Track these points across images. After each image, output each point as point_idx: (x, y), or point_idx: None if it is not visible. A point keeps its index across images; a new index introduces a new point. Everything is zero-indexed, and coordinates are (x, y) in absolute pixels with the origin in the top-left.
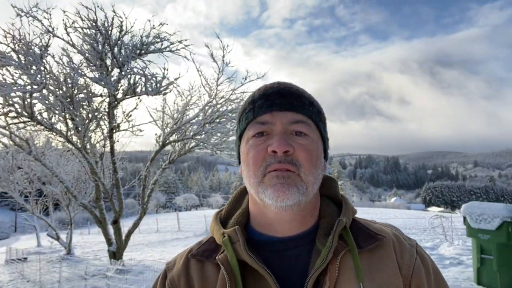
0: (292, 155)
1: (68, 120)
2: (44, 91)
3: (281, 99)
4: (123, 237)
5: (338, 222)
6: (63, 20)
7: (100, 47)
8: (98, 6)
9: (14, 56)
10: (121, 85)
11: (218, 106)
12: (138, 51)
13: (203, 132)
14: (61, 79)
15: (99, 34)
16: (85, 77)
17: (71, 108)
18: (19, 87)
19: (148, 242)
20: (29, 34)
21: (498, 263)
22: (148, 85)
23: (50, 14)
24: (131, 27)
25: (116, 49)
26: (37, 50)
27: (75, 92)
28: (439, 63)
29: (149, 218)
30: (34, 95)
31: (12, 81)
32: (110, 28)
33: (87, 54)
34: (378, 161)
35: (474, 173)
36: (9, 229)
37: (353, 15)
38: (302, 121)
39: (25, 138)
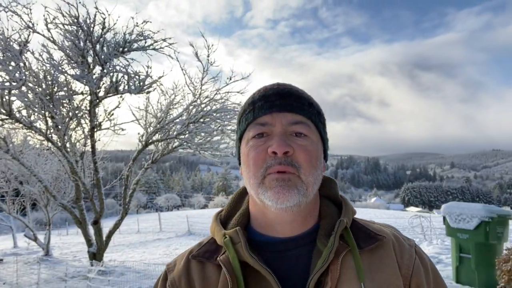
0: (292, 156)
1: (48, 118)
2: (23, 88)
3: (281, 100)
4: (104, 238)
5: (339, 223)
6: (43, 15)
7: (81, 44)
8: (80, 2)
9: None
10: (103, 83)
11: (203, 105)
12: (121, 49)
13: (187, 132)
14: (41, 76)
15: (80, 30)
16: (65, 74)
17: (51, 106)
18: None
19: (128, 243)
20: (7, 29)
21: (476, 262)
22: (131, 83)
23: (30, 9)
24: (114, 24)
25: (98, 46)
26: (16, 46)
27: (55, 89)
28: (418, 66)
29: (129, 218)
30: (13, 92)
31: None
32: (92, 25)
33: (68, 51)
34: (359, 162)
35: (451, 174)
36: None
37: (336, 17)
38: (302, 122)
39: (3, 136)
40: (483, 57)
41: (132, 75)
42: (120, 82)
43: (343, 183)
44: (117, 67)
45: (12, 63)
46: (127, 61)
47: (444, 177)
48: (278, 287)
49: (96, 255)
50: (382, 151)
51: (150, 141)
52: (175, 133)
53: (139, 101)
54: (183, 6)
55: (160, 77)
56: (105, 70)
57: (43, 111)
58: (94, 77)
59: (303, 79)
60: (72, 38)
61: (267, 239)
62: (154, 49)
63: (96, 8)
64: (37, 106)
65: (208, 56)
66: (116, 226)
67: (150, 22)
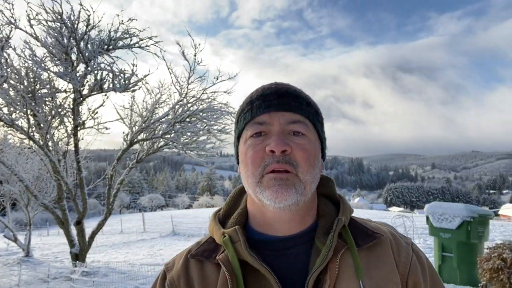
0: (290, 155)
1: (30, 116)
2: (5, 85)
3: (279, 100)
4: (87, 239)
5: (337, 221)
6: (26, 11)
7: (65, 41)
8: None
9: None
10: (87, 81)
11: (189, 105)
12: (105, 46)
13: (173, 131)
14: (23, 73)
15: (64, 27)
16: (48, 72)
17: (33, 104)
18: None
19: (111, 243)
20: None
21: (458, 261)
22: (116, 82)
23: (12, 5)
24: (99, 22)
25: (82, 44)
26: None
27: (38, 86)
28: (401, 68)
29: (112, 219)
30: None
31: None
32: (77, 22)
33: (51, 48)
34: (343, 163)
35: (432, 174)
36: None
37: (321, 19)
38: (300, 121)
39: None
40: (463, 61)
41: (117, 73)
42: (105, 80)
43: None
44: (102, 65)
45: None
46: (112, 59)
47: (425, 178)
48: (278, 285)
49: (78, 256)
50: (366, 152)
51: (135, 140)
52: (160, 132)
53: (124, 99)
54: (168, 5)
55: (145, 76)
56: (89, 68)
57: (25, 109)
58: (78, 74)
59: (288, 79)
60: (56, 34)
61: (266, 238)
62: (140, 47)
63: (81, 4)
64: (18, 103)
65: (195, 55)
66: (100, 226)
67: (136, 20)
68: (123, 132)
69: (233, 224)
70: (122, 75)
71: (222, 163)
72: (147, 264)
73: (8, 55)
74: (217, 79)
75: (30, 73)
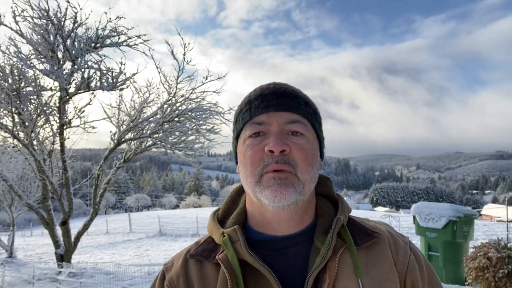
0: (289, 155)
1: (14, 115)
2: None
3: (277, 100)
4: (72, 239)
5: (336, 220)
6: (11, 7)
7: (51, 38)
8: None
9: None
10: (74, 79)
11: (178, 104)
12: (93, 44)
13: (161, 131)
14: (7, 70)
15: (50, 24)
16: (34, 69)
17: (18, 102)
18: None
19: (97, 244)
20: None
21: (444, 260)
22: (103, 80)
23: None
24: (86, 19)
25: (69, 41)
26: None
27: (23, 84)
28: (386, 70)
29: (97, 219)
30: None
31: None
32: (63, 19)
33: (37, 45)
34: (330, 163)
35: (417, 175)
36: None
37: (308, 20)
38: (298, 121)
39: None
40: (447, 63)
41: (105, 71)
42: (92, 79)
43: None
44: (89, 63)
45: None
46: (100, 57)
47: (410, 178)
48: (277, 285)
49: (63, 257)
50: (353, 152)
51: (123, 139)
52: (148, 132)
53: (111, 98)
54: (156, 3)
55: (134, 74)
56: (76, 66)
57: (9, 107)
58: (64, 72)
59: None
60: (42, 32)
61: (265, 238)
62: (128, 45)
63: (68, 1)
64: (3, 101)
65: (184, 54)
66: (86, 227)
67: (124, 18)
68: (111, 131)
69: (232, 224)
70: (110, 73)
71: (210, 163)
72: (134, 265)
73: None
74: (206, 78)
75: (15, 71)
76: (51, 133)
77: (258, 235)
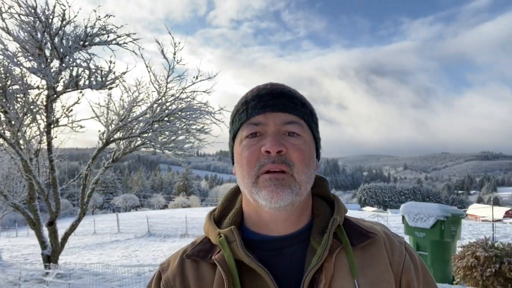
0: (285, 155)
1: (0, 113)
2: None
3: (274, 100)
4: (59, 240)
5: (333, 221)
6: None
7: (39, 35)
8: None
9: None
10: (62, 77)
11: (167, 104)
12: (81, 42)
13: (151, 130)
14: None
15: (38, 22)
16: (21, 67)
17: (4, 100)
18: None
19: (84, 244)
20: None
21: (432, 259)
22: (92, 79)
23: None
24: (75, 17)
25: (57, 39)
26: None
27: (9, 82)
28: (374, 72)
29: (84, 219)
30: None
31: None
32: (51, 17)
33: (24, 43)
34: (319, 163)
35: (404, 175)
36: None
37: (298, 21)
38: (295, 122)
39: None
40: (434, 65)
41: (94, 70)
42: (81, 77)
43: None
44: (78, 61)
45: None
46: (89, 55)
47: (398, 178)
48: (274, 285)
49: (50, 258)
50: (341, 152)
51: (112, 139)
52: (138, 131)
53: (100, 97)
54: (145, 2)
55: (124, 73)
56: (64, 64)
57: None
58: (52, 71)
59: (265, 80)
60: (29, 29)
61: (261, 238)
62: (117, 44)
63: None
64: None
65: (174, 54)
66: (73, 227)
67: (113, 16)
68: (99, 131)
69: (228, 224)
70: (99, 72)
71: (199, 163)
72: (122, 266)
73: None
74: (197, 78)
75: (1, 68)
76: (38, 132)
77: (254, 236)
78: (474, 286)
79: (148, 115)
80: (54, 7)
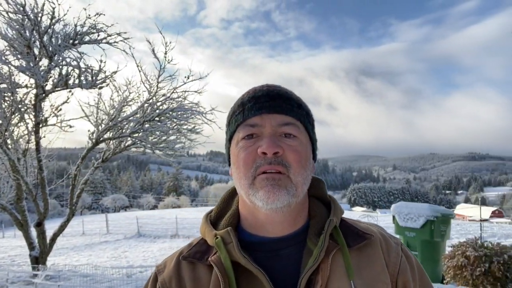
0: (282, 156)
1: None
2: None
3: (270, 102)
4: (48, 241)
5: (329, 222)
6: None
7: (27, 34)
8: None
9: None
10: (51, 76)
11: (158, 104)
12: (71, 41)
13: (142, 130)
14: None
15: (27, 20)
16: (9, 65)
17: None
18: None
19: (73, 246)
20: None
21: (422, 258)
22: (82, 78)
23: None
24: (64, 15)
25: (46, 37)
26: None
27: None
28: (363, 73)
29: (73, 220)
30: None
31: None
32: (40, 15)
33: (12, 41)
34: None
35: (393, 175)
36: None
37: (288, 22)
38: (291, 123)
39: None
40: (422, 67)
41: (84, 69)
42: (70, 76)
43: None
44: (67, 60)
45: None
46: (80, 54)
47: (387, 179)
48: (270, 286)
49: (38, 259)
50: (331, 153)
51: (101, 139)
52: (128, 131)
53: (89, 96)
54: (134, 1)
55: (114, 72)
56: (53, 63)
57: None
58: (41, 69)
59: (256, 80)
60: (17, 27)
61: (258, 239)
62: (107, 43)
63: None
64: None
65: (165, 53)
66: (62, 228)
67: (104, 14)
68: (89, 131)
69: (225, 225)
70: (89, 70)
71: (189, 163)
72: (112, 267)
73: None
74: (188, 78)
75: None
76: (26, 132)
77: (251, 237)
78: (464, 285)
79: (138, 115)
80: (44, 5)
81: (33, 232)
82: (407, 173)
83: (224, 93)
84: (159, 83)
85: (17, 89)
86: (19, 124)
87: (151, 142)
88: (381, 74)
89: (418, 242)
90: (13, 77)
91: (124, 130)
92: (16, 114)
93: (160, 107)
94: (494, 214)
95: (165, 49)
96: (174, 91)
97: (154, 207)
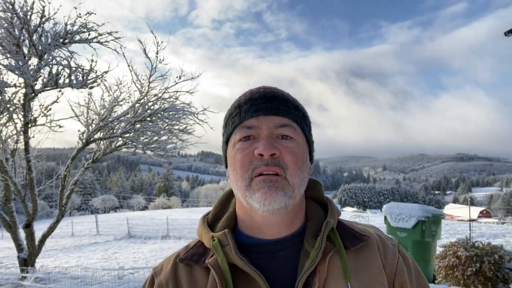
0: (279, 158)
1: None
2: None
3: (267, 104)
4: (37, 242)
5: (326, 224)
6: None
7: (16, 32)
8: None
9: None
10: (41, 75)
11: (150, 104)
12: (61, 40)
13: (133, 131)
14: None
15: (16, 18)
16: None
17: None
18: None
19: (62, 247)
20: None
21: (413, 258)
22: (73, 77)
23: None
24: (54, 14)
25: (35, 36)
26: None
27: None
28: (354, 74)
29: (62, 221)
30: None
31: None
32: (30, 13)
33: (0, 40)
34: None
35: (383, 176)
36: None
37: (279, 22)
38: (288, 125)
39: None
40: (411, 69)
41: (74, 68)
42: (60, 75)
43: None
44: (57, 59)
45: None
46: (70, 53)
47: (377, 179)
48: None
49: (27, 261)
50: (322, 153)
51: (92, 139)
52: (119, 131)
53: (80, 96)
54: (124, 0)
55: (105, 72)
56: (42, 62)
57: None
58: (30, 68)
59: (247, 81)
60: (6, 25)
61: (255, 241)
62: (98, 42)
63: None
64: None
65: (157, 53)
66: (51, 229)
67: (95, 13)
68: (79, 131)
69: (222, 227)
70: (80, 70)
71: (180, 163)
72: (102, 269)
73: None
74: (180, 78)
75: None
76: (14, 132)
77: (248, 239)
78: (456, 285)
79: (129, 115)
80: (33, 3)
81: (22, 234)
82: (397, 173)
83: (216, 94)
84: (150, 83)
85: (5, 88)
86: (7, 124)
87: (143, 143)
88: (371, 75)
89: (410, 242)
90: (1, 76)
91: (115, 130)
92: (5, 113)
93: (152, 107)
94: (482, 214)
95: (157, 48)
96: (166, 91)
97: (145, 208)
